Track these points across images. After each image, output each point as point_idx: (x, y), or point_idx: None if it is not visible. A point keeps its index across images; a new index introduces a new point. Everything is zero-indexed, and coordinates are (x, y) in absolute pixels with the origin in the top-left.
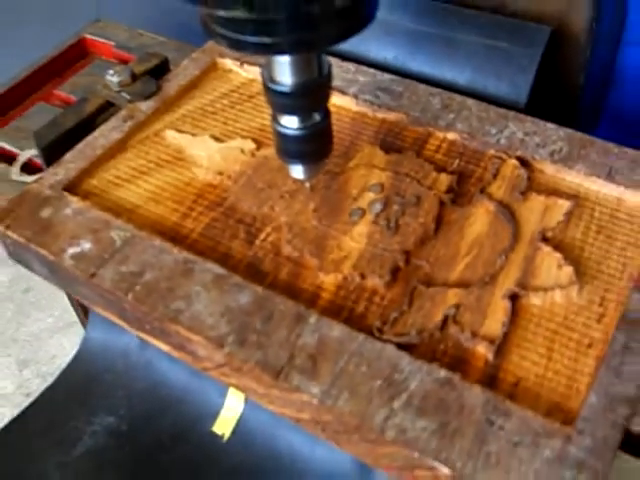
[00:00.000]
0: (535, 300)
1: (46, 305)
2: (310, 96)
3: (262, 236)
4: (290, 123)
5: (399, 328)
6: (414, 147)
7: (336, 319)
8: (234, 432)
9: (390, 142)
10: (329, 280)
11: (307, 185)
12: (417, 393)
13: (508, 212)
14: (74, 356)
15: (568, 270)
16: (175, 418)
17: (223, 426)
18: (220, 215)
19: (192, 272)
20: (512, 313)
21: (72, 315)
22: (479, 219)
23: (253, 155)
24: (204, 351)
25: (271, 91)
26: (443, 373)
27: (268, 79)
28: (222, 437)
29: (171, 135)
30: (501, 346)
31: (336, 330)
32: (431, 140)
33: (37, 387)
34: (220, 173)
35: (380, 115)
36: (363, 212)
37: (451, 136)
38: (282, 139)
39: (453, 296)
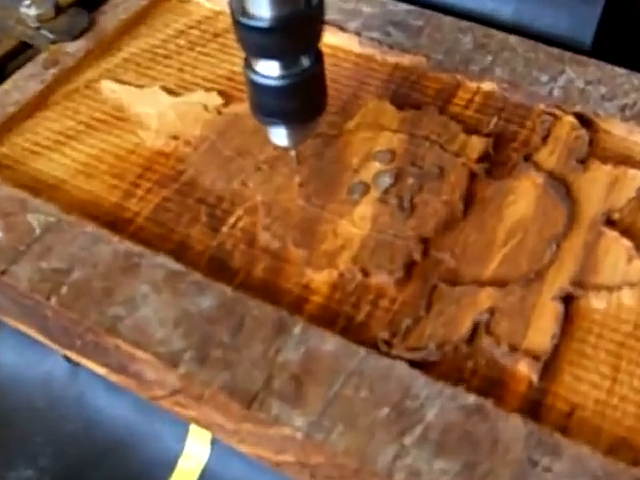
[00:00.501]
0: (596, 303)
1: None
2: (296, 34)
3: (231, 221)
4: (269, 70)
5: (413, 340)
6: (437, 101)
7: (329, 329)
8: None
9: (404, 95)
10: (321, 278)
11: (292, 154)
12: (436, 425)
13: (562, 186)
14: None
15: None
16: (116, 470)
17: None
18: (175, 193)
19: (137, 268)
20: (565, 320)
21: None
22: (523, 196)
23: (219, 113)
24: (153, 373)
25: (243, 27)
26: (472, 399)
27: (239, 12)
28: None
29: (109, 87)
30: (550, 363)
31: (329, 343)
32: (460, 92)
33: None
34: (175, 137)
35: (391, 59)
36: (367, 188)
37: (487, 86)
38: (258, 92)
39: (486, 298)
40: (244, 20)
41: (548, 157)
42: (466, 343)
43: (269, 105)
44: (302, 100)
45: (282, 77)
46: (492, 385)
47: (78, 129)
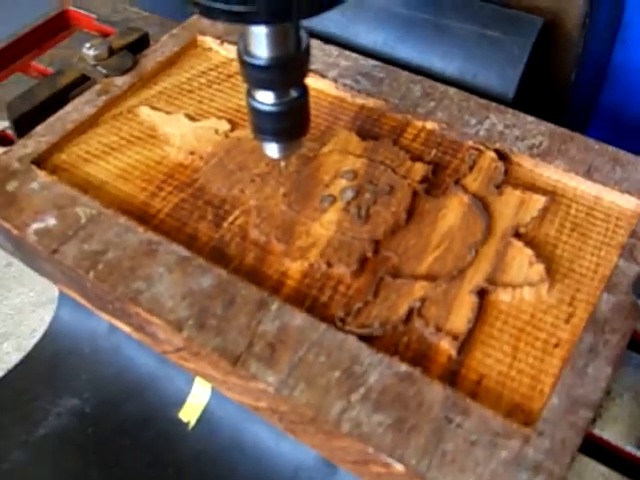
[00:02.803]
0: (503, 297)
1: (28, 280)
2: (286, 70)
3: (230, 219)
4: (265, 99)
5: (362, 319)
6: (392, 135)
7: (299, 307)
8: (200, 420)
9: (367, 129)
10: (295, 267)
11: (282, 164)
12: (376, 387)
13: (482, 205)
14: (42, 336)
15: (539, 268)
16: (140, 404)
17: (189, 413)
18: (189, 196)
19: (156, 253)
20: (479, 309)
21: (54, 290)
22: (452, 211)
23: (227, 136)
24: (163, 334)
25: (246, 64)
26: (404, 367)
27: (244, 51)
28: (187, 424)
29: (145, 112)
30: (465, 342)
31: (298, 319)
32: (409, 128)
33: (16, 361)
34: (192, 153)
35: (359, 101)
36: (334, 199)
37: (430, 125)
38: (256, 115)
39: (420, 289)
40: (247, 58)
41: (473, 182)
42: (402, 323)
43: (264, 126)
44: (290, 122)
45: (275, 104)
46: (421, 357)
47: (120, 143)
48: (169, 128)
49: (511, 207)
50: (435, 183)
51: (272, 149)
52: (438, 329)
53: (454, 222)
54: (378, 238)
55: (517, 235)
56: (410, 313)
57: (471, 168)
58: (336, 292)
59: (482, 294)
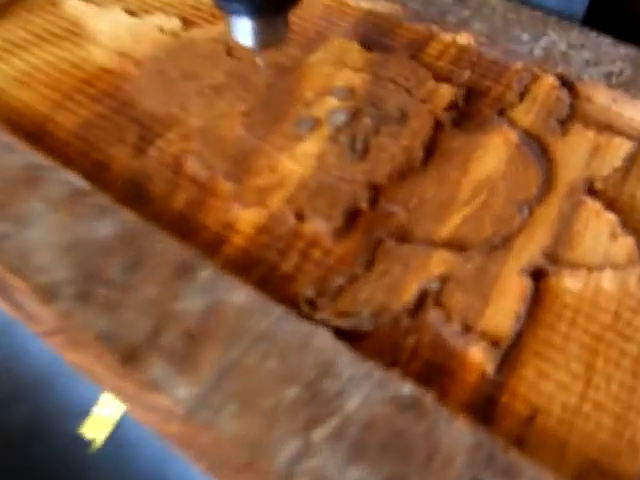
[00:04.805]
0: (571, 283)
1: None
2: None
3: (159, 144)
4: None
5: (344, 303)
6: (409, 49)
7: (244, 277)
8: (110, 438)
9: (374, 39)
10: (248, 216)
11: (259, 61)
12: (357, 418)
13: (538, 146)
14: None
15: (626, 242)
16: (31, 410)
17: (95, 428)
18: (108, 110)
19: (39, 182)
20: (533, 300)
21: None
22: (493, 152)
23: (175, 36)
24: (32, 305)
25: None
26: (407, 389)
27: None
28: (92, 443)
29: (72, 4)
30: (510, 352)
31: (239, 294)
32: (433, 43)
33: None
34: (123, 54)
35: (365, 4)
36: (317, 122)
37: (463, 39)
38: None
39: (439, 262)
40: None
41: (525, 115)
42: (409, 314)
43: None
44: None
45: None
46: (435, 372)
47: (29, 40)
48: (99, 24)
49: (581, 152)
50: (469, 113)
51: (244, 31)
52: (467, 328)
53: (496, 167)
54: (379, 182)
55: (592, 192)
56: (422, 299)
57: (522, 97)
58: (306, 259)
59: (538, 276)
